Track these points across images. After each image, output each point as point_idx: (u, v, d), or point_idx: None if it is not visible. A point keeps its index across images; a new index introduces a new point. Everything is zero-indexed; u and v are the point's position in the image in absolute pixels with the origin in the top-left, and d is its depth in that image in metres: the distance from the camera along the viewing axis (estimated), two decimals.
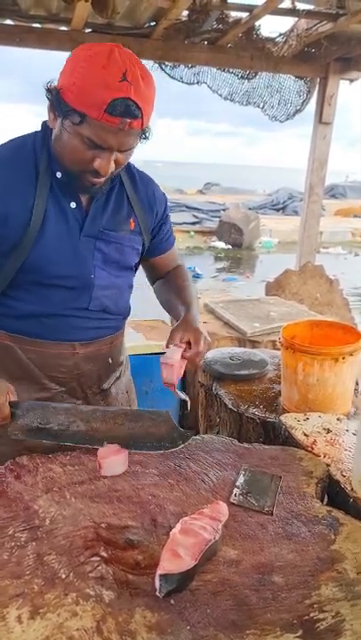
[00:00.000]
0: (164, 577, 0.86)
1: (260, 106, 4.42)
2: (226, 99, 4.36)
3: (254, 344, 2.86)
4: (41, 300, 1.37)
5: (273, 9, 3.35)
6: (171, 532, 0.95)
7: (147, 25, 3.82)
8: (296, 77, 4.37)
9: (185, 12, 3.55)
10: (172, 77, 4.20)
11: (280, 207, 18.91)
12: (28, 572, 0.89)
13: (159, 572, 0.86)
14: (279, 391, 1.72)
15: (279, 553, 0.97)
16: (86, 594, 0.85)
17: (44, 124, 1.33)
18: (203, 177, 36.48)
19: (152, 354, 2.84)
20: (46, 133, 1.33)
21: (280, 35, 3.92)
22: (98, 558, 0.93)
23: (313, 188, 4.75)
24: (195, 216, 15.68)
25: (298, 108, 4.45)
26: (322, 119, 4.51)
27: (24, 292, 1.36)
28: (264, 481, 1.18)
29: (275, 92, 4.38)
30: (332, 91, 4.41)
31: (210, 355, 1.99)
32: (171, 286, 1.58)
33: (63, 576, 0.89)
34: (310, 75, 4.35)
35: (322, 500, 1.17)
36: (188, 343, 1.34)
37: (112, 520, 1.04)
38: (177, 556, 0.89)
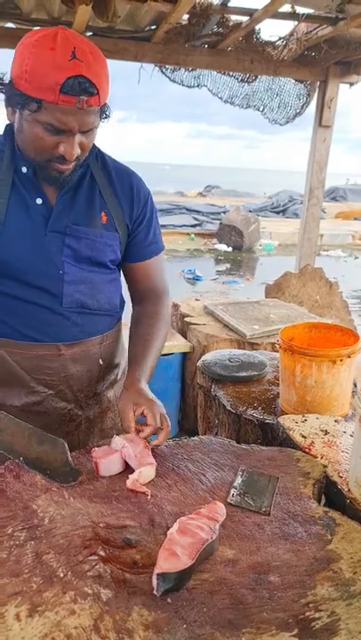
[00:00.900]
0: (162, 576, 0.86)
1: (261, 109, 4.44)
2: (226, 102, 4.37)
3: (254, 346, 2.87)
4: (13, 298, 1.35)
5: (273, 13, 3.36)
6: (168, 532, 0.96)
7: (147, 28, 3.84)
8: (296, 81, 4.39)
9: (185, 16, 3.57)
10: (172, 80, 4.22)
11: (280, 210, 18.92)
12: (26, 571, 0.90)
13: (156, 571, 0.87)
14: (278, 393, 1.73)
15: (276, 553, 0.98)
16: (84, 592, 0.86)
17: (8, 124, 1.33)
18: (203, 179, 36.55)
19: None
20: (6, 130, 1.33)
21: (280, 38, 3.94)
22: (96, 557, 0.94)
23: (313, 191, 4.76)
24: (195, 218, 15.70)
25: (298, 111, 4.46)
26: (322, 122, 4.53)
27: None
28: (261, 482, 1.18)
29: (275, 95, 4.40)
30: (332, 94, 4.43)
31: (209, 356, 2.00)
32: (138, 327, 1.49)
33: (61, 575, 0.90)
34: (310, 78, 4.36)
35: (319, 501, 1.18)
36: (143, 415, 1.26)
37: (110, 520, 1.05)
38: (174, 556, 0.90)
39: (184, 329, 3.35)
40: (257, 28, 3.82)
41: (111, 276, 1.47)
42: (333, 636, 0.80)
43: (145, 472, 1.17)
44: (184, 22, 3.68)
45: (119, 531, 1.02)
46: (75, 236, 1.36)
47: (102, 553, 0.95)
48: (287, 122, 4.49)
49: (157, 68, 4.06)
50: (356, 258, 13.53)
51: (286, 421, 1.47)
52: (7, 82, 1.19)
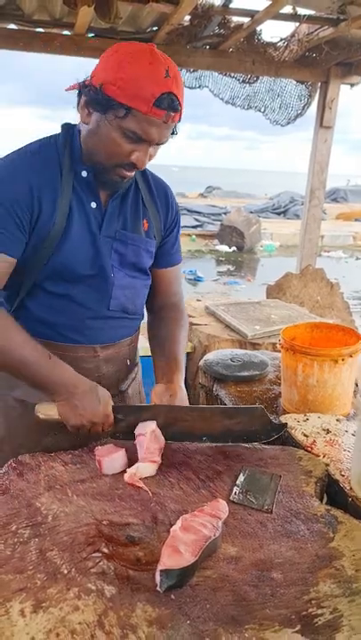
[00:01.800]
0: (165, 572, 0.87)
1: (262, 110, 4.45)
2: (227, 103, 4.39)
3: (255, 346, 2.87)
4: (63, 299, 1.37)
5: (274, 14, 3.37)
6: (171, 529, 0.97)
7: (149, 30, 3.85)
8: (297, 82, 4.40)
9: (187, 17, 3.58)
10: None
11: (281, 211, 18.95)
12: (30, 568, 0.91)
13: (160, 567, 0.88)
14: (279, 392, 1.74)
15: (278, 550, 0.98)
16: (88, 588, 0.87)
17: (66, 126, 1.35)
18: (204, 180, 36.58)
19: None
20: (68, 134, 1.35)
21: (281, 39, 3.95)
22: (99, 554, 0.95)
23: (314, 192, 4.77)
24: (196, 219, 15.71)
25: (299, 112, 4.47)
26: (323, 123, 4.54)
27: (46, 295, 1.36)
28: (264, 480, 1.19)
29: (276, 96, 4.41)
30: (333, 95, 4.44)
31: (211, 356, 2.00)
32: (167, 332, 1.56)
33: (65, 571, 0.90)
34: (311, 79, 4.38)
35: (321, 499, 1.19)
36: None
37: (113, 517, 1.05)
38: (177, 553, 0.90)
39: None
40: (258, 29, 3.83)
41: (147, 282, 1.54)
42: (336, 633, 0.81)
43: (142, 467, 1.19)
44: (186, 23, 3.69)
45: (122, 528, 1.02)
46: (122, 241, 1.40)
47: (106, 550, 0.96)
48: (288, 123, 4.50)
49: None
50: (357, 259, 13.54)
51: (288, 420, 1.48)
52: (94, 85, 1.21)
